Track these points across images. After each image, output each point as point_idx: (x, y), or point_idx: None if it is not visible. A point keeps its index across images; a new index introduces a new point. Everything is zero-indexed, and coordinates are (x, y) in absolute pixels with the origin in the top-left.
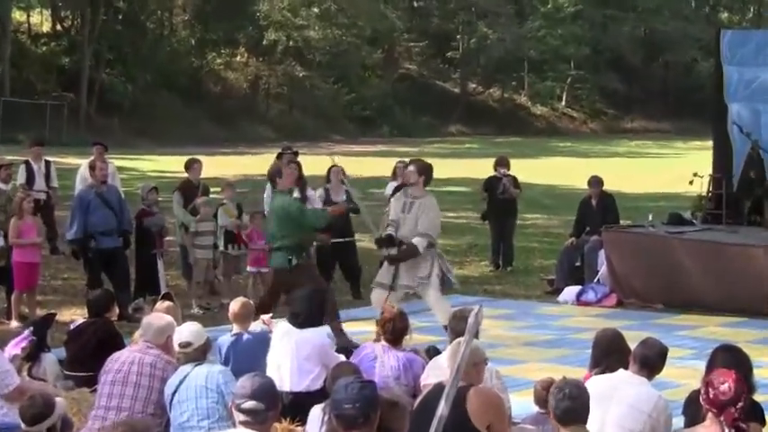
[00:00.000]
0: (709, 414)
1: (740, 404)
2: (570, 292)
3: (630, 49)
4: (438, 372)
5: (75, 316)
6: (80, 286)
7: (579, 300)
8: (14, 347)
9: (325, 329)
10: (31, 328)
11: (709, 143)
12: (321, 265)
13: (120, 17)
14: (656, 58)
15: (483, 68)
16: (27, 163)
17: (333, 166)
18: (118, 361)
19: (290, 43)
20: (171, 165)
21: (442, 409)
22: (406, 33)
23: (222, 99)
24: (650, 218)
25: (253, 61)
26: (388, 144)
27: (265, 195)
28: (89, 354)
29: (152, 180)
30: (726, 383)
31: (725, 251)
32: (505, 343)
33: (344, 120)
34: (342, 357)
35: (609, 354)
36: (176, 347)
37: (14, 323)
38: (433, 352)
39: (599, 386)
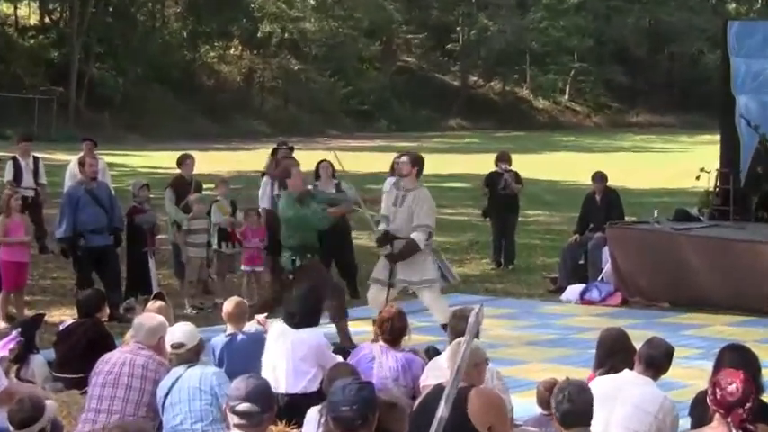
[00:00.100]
0: (717, 415)
1: (748, 405)
2: (573, 290)
3: (635, 40)
4: (438, 372)
5: (65, 316)
6: (69, 286)
7: (583, 298)
8: (2, 349)
9: (322, 329)
10: (19, 329)
11: (717, 137)
12: None
13: (110, 9)
14: (661, 49)
15: (484, 61)
16: (15, 159)
17: (322, 162)
18: (108, 362)
19: (285, 35)
20: (163, 160)
21: (442, 410)
22: (404, 25)
23: (215, 93)
24: (656, 214)
25: (247, 54)
26: (386, 139)
27: (260, 192)
28: (79, 355)
29: (143, 176)
30: (733, 384)
31: (732, 248)
32: (507, 343)
33: (341, 114)
34: (339, 358)
35: (613, 353)
36: (169, 348)
37: (2, 324)
38: (432, 352)
39: (603, 387)
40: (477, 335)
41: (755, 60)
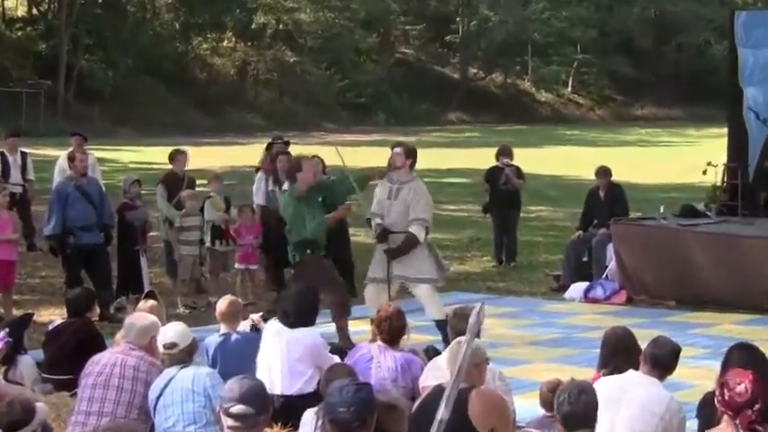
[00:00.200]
0: (725, 417)
1: (757, 406)
2: (577, 288)
3: (640, 31)
4: (437, 373)
5: (54, 316)
6: (59, 285)
7: (587, 297)
8: None
9: (318, 329)
10: (7, 329)
11: (724, 130)
12: None
13: (100, 0)
14: (667, 40)
15: (484, 52)
16: (2, 155)
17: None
18: (99, 363)
19: (280, 27)
20: (154, 155)
21: (443, 412)
22: (402, 16)
23: (208, 86)
24: (662, 210)
25: (241, 46)
26: (384, 133)
27: (254, 188)
28: (68, 356)
29: (134, 172)
30: (742, 384)
31: (740, 244)
32: (509, 342)
33: (337, 107)
34: (336, 358)
35: (618, 353)
36: (161, 349)
37: None
38: (432, 352)
39: (608, 387)
40: (478, 334)
41: (763, 51)
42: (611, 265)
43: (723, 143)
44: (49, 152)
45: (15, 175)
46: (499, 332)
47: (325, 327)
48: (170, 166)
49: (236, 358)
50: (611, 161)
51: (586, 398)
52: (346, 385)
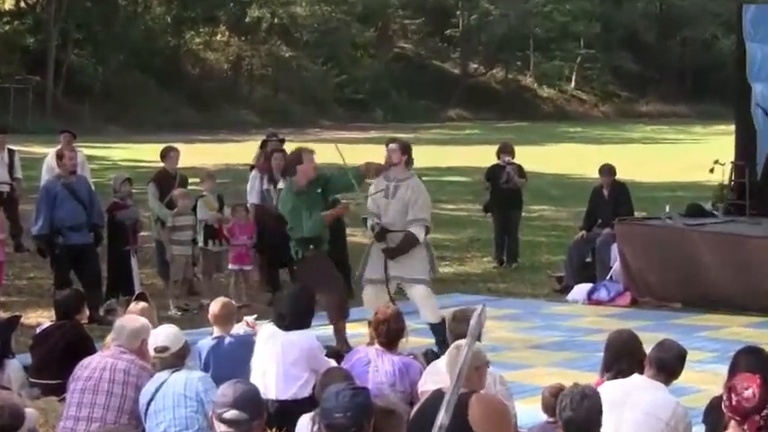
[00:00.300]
0: (732, 422)
1: (765, 411)
2: (580, 290)
3: (645, 25)
4: (437, 377)
5: (42, 318)
6: (47, 286)
7: (590, 298)
8: None
9: (314, 331)
10: None
11: (732, 127)
12: None
13: None
14: (672, 35)
15: (485, 47)
16: None
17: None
18: (88, 367)
19: (275, 20)
20: (146, 153)
21: (442, 417)
22: (400, 9)
23: (201, 81)
24: (667, 209)
25: (234, 40)
26: (382, 130)
27: (248, 186)
28: (57, 359)
29: (125, 170)
30: (750, 389)
31: (748, 244)
32: (510, 345)
33: (334, 103)
34: (332, 362)
35: (622, 357)
36: (152, 352)
37: None
38: (431, 356)
39: (612, 392)
40: (478, 338)
41: None
42: (616, 266)
43: (730, 140)
44: (37, 149)
45: (2, 174)
46: (500, 335)
47: (322, 329)
48: (162, 164)
49: (230, 362)
50: (616, 159)
51: (589, 403)
52: (343, 390)
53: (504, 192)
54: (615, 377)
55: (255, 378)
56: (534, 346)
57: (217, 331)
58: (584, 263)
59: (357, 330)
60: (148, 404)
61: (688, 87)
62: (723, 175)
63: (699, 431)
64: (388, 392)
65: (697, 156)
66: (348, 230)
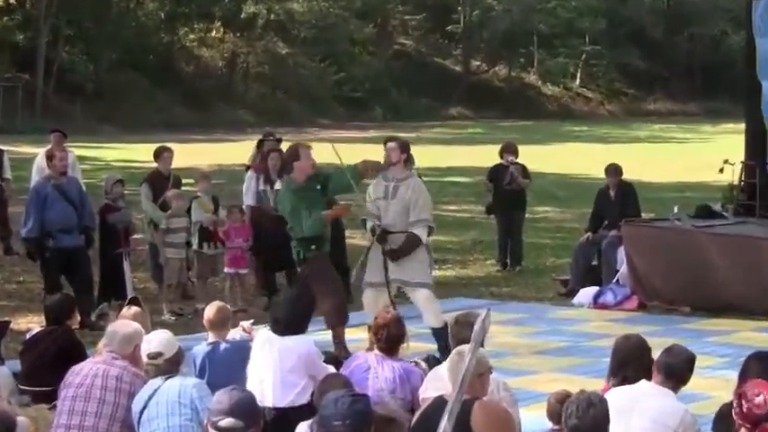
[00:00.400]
0: (742, 430)
1: None
2: (586, 293)
3: (652, 20)
4: (438, 384)
5: (32, 324)
6: (37, 290)
7: (596, 302)
8: None
9: (312, 337)
10: None
11: (742, 126)
12: None
13: None
14: (680, 30)
15: (487, 44)
16: None
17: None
18: (79, 374)
19: (272, 17)
20: (138, 153)
21: (445, 425)
22: (400, 5)
23: (196, 79)
24: (675, 210)
25: (230, 37)
26: (382, 129)
27: (244, 187)
28: (47, 366)
29: (117, 171)
30: (761, 395)
31: (758, 246)
32: (514, 351)
33: (332, 102)
34: (331, 368)
35: (629, 362)
36: (145, 358)
37: None
38: (432, 362)
39: (619, 399)
40: (482, 343)
41: None
42: (622, 268)
43: (740, 139)
44: (27, 149)
45: None
46: (504, 340)
47: (320, 334)
48: (155, 165)
49: (225, 368)
50: (622, 158)
51: (595, 411)
52: (342, 397)
53: (507, 193)
54: (622, 383)
55: (252, 385)
56: (539, 352)
57: (212, 337)
58: (589, 266)
59: (356, 335)
60: (141, 412)
61: (697, 85)
62: (733, 175)
63: None
64: (388, 400)
65: (706, 155)
66: (347, 232)
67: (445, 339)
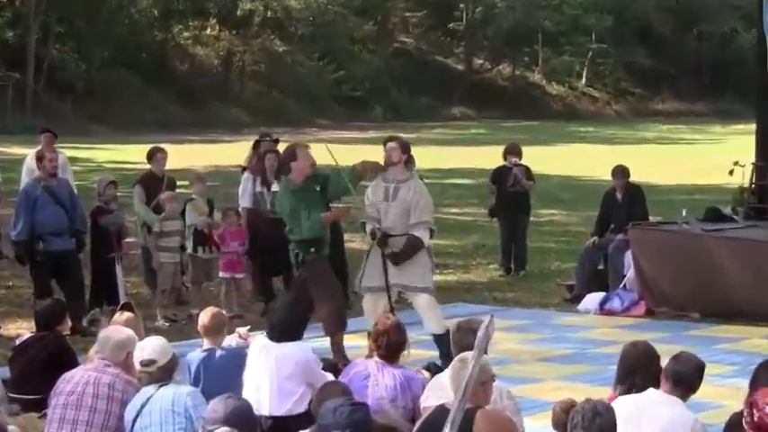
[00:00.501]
0: None
1: None
2: (592, 299)
3: (660, 18)
4: (440, 392)
5: (22, 329)
6: (27, 295)
7: (603, 308)
8: None
9: (310, 343)
10: None
11: (752, 127)
12: None
13: None
14: (689, 28)
15: (490, 42)
16: None
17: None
18: (70, 381)
19: (268, 14)
20: (131, 154)
21: None
22: (401, 2)
23: (190, 78)
24: (684, 213)
25: (225, 34)
26: (382, 129)
27: (240, 189)
28: (37, 373)
29: (109, 172)
30: None
31: None
32: (518, 358)
33: (331, 101)
34: (329, 376)
35: (636, 370)
36: (138, 366)
37: None
38: (434, 369)
39: (626, 408)
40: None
41: None
42: (630, 273)
43: (751, 141)
44: (17, 150)
45: None
46: (507, 347)
47: (318, 341)
48: (148, 166)
49: (221, 376)
50: (629, 160)
51: (601, 420)
52: (340, 405)
53: (510, 195)
54: (629, 391)
55: (248, 393)
56: (543, 359)
57: (207, 343)
58: (596, 270)
59: (356, 342)
60: (134, 421)
61: (706, 84)
62: (743, 177)
63: None
64: (388, 408)
65: (716, 157)
66: (346, 236)
67: (447, 346)
